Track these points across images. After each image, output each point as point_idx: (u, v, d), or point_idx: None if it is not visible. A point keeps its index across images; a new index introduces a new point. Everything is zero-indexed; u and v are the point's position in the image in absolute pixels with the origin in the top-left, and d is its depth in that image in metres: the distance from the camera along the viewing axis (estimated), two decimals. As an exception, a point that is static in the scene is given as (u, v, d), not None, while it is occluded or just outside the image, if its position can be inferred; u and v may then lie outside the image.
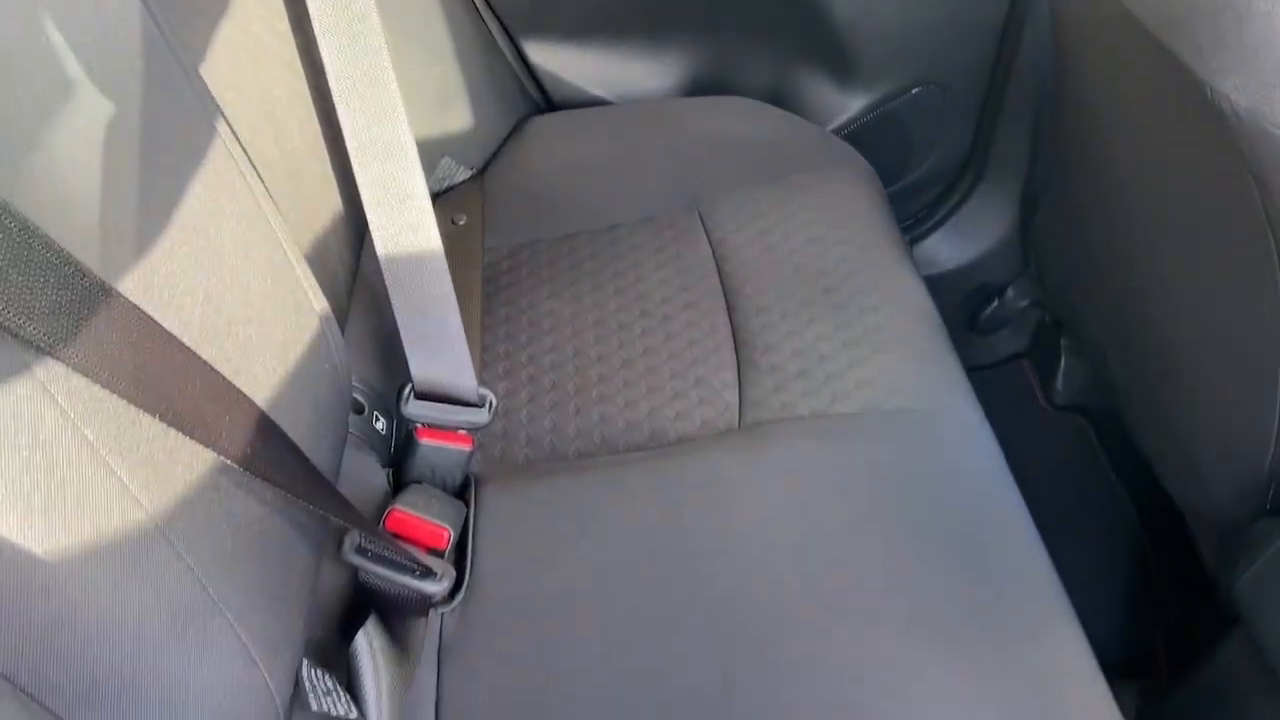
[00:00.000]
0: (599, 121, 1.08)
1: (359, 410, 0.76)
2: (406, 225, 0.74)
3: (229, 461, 0.49)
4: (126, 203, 0.47)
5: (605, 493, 0.74)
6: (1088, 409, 1.15)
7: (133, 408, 0.44)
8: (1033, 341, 1.21)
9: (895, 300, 0.85)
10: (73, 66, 0.45)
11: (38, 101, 0.43)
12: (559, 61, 1.09)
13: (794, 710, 0.61)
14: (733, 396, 0.79)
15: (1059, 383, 1.14)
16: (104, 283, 0.43)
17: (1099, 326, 0.99)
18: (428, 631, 0.66)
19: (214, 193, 0.54)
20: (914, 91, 1.08)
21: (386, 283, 0.75)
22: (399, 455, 0.78)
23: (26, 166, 0.42)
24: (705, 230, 0.92)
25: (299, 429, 0.56)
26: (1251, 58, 0.57)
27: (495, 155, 1.05)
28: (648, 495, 0.73)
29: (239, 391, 0.51)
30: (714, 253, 0.90)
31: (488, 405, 0.78)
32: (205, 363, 0.49)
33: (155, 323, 0.46)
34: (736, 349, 0.82)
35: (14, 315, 0.38)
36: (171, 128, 0.53)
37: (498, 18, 1.05)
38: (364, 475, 0.73)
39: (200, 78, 0.59)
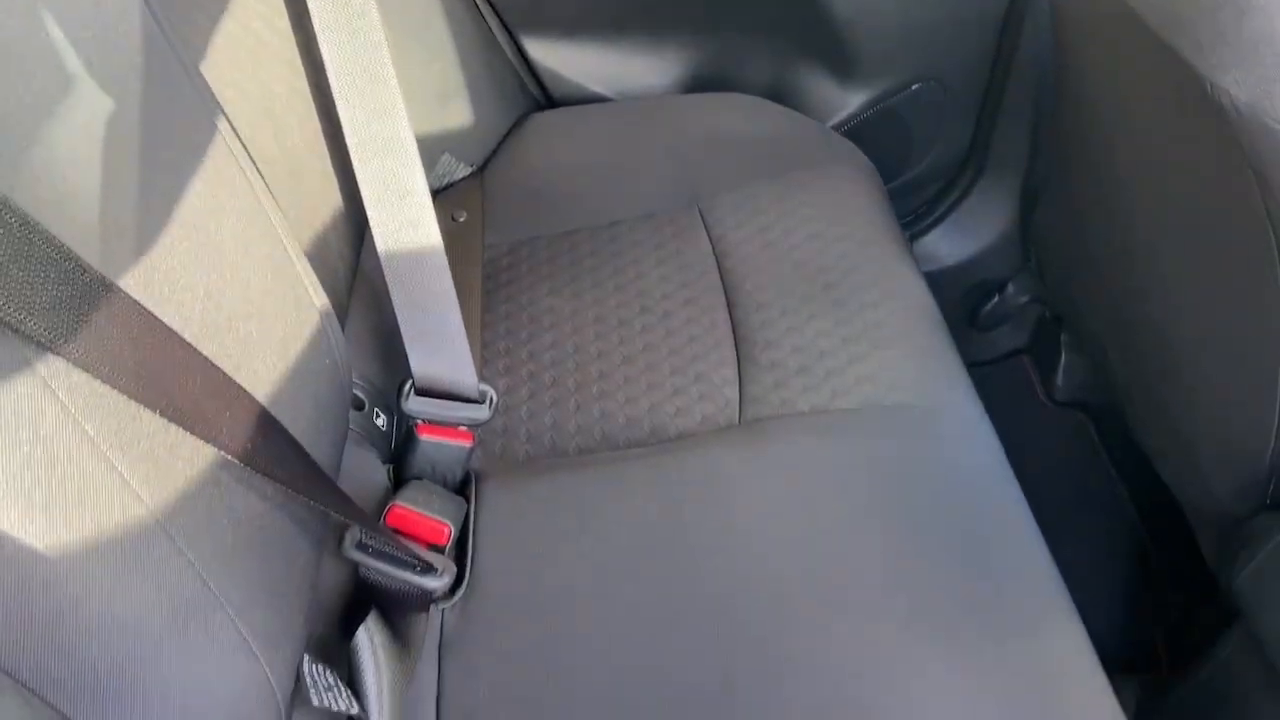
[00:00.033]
0: (599, 118, 1.08)
1: (359, 406, 0.76)
2: (407, 221, 0.74)
3: (229, 457, 0.49)
4: (127, 199, 0.47)
5: (606, 489, 0.74)
6: (1088, 405, 1.15)
7: (133, 403, 0.44)
8: (1033, 337, 1.21)
9: (895, 296, 0.85)
10: (73, 62, 0.45)
11: (38, 97, 0.43)
12: (559, 58, 1.09)
13: (794, 705, 0.61)
14: (733, 392, 0.79)
15: (1059, 379, 1.14)
16: (104, 278, 0.43)
17: (1099, 322, 0.99)
18: (429, 627, 0.66)
19: (214, 189, 0.55)
20: (914, 87, 1.08)
21: (387, 279, 0.75)
22: (399, 451, 0.78)
23: (26, 162, 0.42)
24: (705, 227, 0.92)
25: (299, 425, 0.56)
26: (1251, 53, 0.57)
27: (495, 152, 1.05)
28: (648, 491, 0.73)
29: (239, 387, 0.51)
30: (714, 249, 0.90)
31: (488, 401, 0.78)
32: (206, 359, 0.49)
33: (155, 318, 0.46)
34: (737, 345, 0.82)
35: (14, 310, 0.38)
36: (171, 124, 0.53)
37: (497, 14, 1.05)
38: (364, 471, 0.73)
39: (200, 74, 0.59)
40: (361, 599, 0.65)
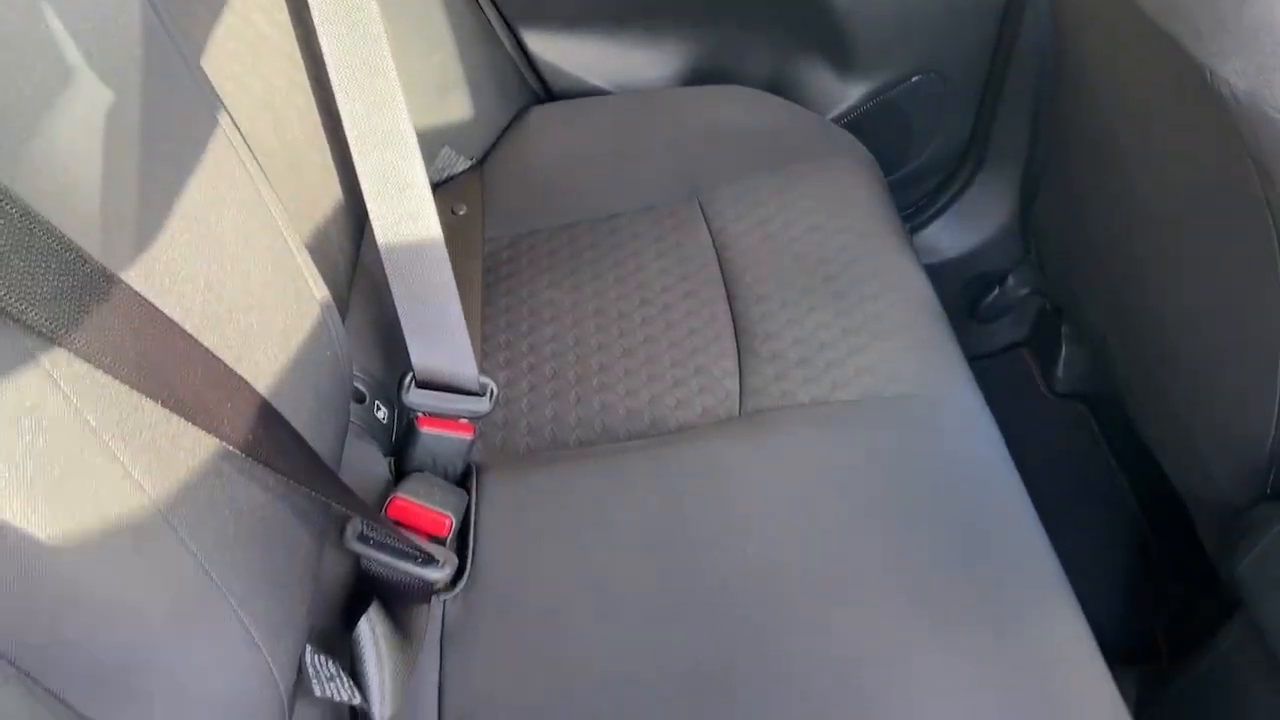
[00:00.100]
0: (599, 111, 1.08)
1: (360, 399, 0.76)
2: (406, 214, 0.74)
3: (231, 448, 0.49)
4: (127, 190, 0.47)
5: (606, 481, 0.74)
6: (1088, 396, 1.15)
7: (135, 394, 0.44)
8: (1033, 329, 1.21)
9: (895, 288, 0.85)
10: (73, 54, 0.45)
11: (38, 89, 0.43)
12: (558, 51, 1.09)
13: (795, 694, 0.61)
14: (733, 384, 0.79)
15: (1060, 370, 1.15)
16: (105, 269, 0.43)
17: (1099, 313, 0.99)
18: (430, 618, 0.66)
19: (214, 180, 0.55)
20: (914, 79, 1.08)
21: (387, 271, 0.75)
22: (400, 444, 0.78)
23: (27, 153, 0.42)
24: (705, 219, 0.92)
25: (301, 417, 0.57)
26: (1251, 41, 0.57)
27: (495, 145, 1.05)
28: (648, 483, 0.73)
29: (240, 378, 0.51)
30: (714, 241, 0.90)
31: (489, 394, 0.78)
32: (207, 350, 0.49)
33: (157, 309, 0.46)
34: (737, 337, 0.82)
35: (16, 301, 0.38)
36: (171, 115, 0.53)
37: (497, 7, 1.05)
38: (366, 464, 0.73)
39: (200, 67, 0.59)
40: (363, 590, 0.65)
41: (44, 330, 0.40)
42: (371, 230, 0.76)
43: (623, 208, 0.95)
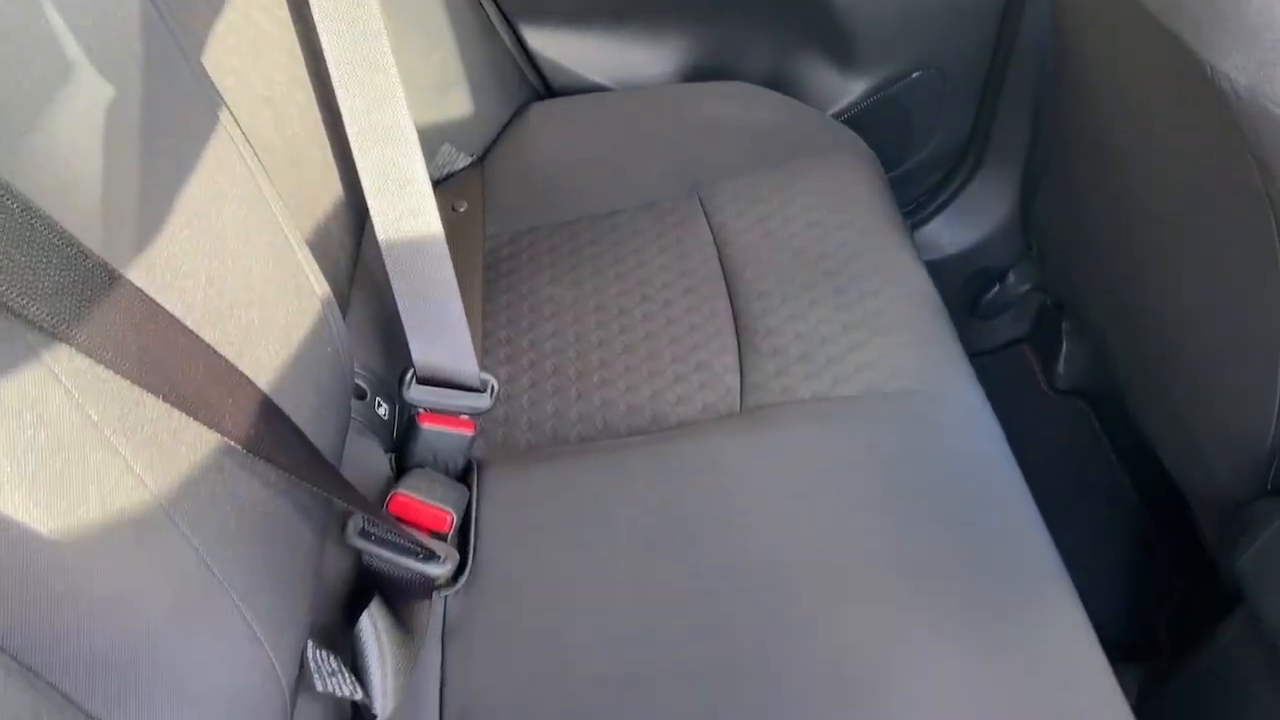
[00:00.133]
0: (599, 108, 1.08)
1: (361, 396, 0.76)
2: (407, 210, 0.74)
3: (232, 443, 0.49)
4: (128, 185, 0.47)
5: (607, 476, 0.74)
6: (1089, 393, 1.15)
7: (136, 389, 0.44)
8: (1034, 326, 1.21)
9: (896, 284, 0.85)
10: (72, 49, 0.45)
11: (38, 83, 0.43)
12: (558, 48, 1.09)
13: (796, 689, 0.61)
14: (734, 380, 0.79)
15: (1060, 367, 1.15)
16: (106, 264, 0.43)
17: (1100, 309, 0.99)
18: (431, 614, 0.66)
19: (214, 176, 0.55)
20: (914, 75, 1.08)
21: (387, 268, 0.75)
22: (401, 440, 0.78)
23: (27, 148, 0.42)
24: (706, 215, 0.92)
25: (302, 412, 0.57)
26: (1252, 36, 0.57)
27: (495, 142, 1.05)
28: (649, 479, 0.73)
29: (242, 374, 0.51)
30: (714, 238, 0.90)
31: (489, 390, 0.78)
32: (208, 345, 0.49)
33: (158, 305, 0.46)
34: (738, 333, 0.82)
35: (17, 296, 0.38)
36: (171, 111, 0.53)
37: (497, 4, 1.05)
38: (367, 460, 0.73)
39: (199, 63, 0.59)
40: (365, 586, 0.65)
41: (45, 325, 0.40)
42: (372, 227, 0.76)
43: (623, 204, 0.95)
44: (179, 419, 0.46)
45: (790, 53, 1.08)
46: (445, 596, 0.68)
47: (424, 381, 0.78)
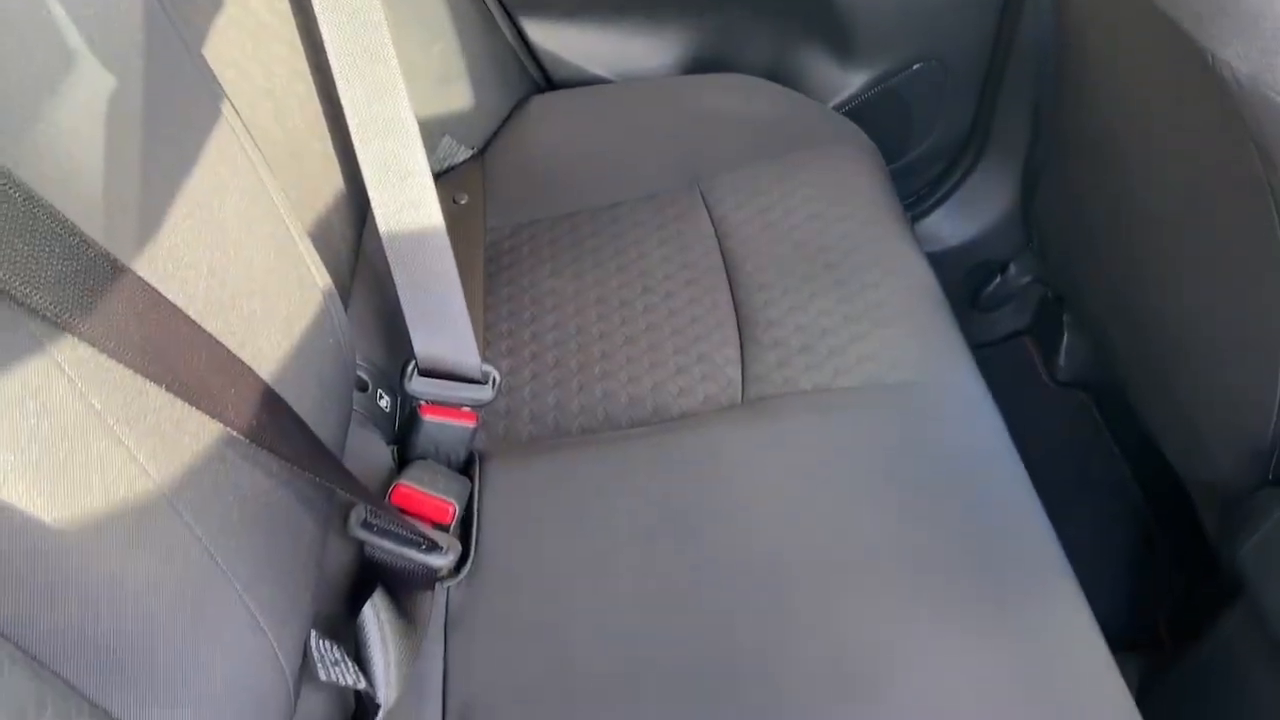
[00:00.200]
0: (600, 100, 1.08)
1: (363, 388, 0.76)
2: (408, 202, 0.74)
3: (235, 433, 0.49)
4: (130, 175, 0.48)
5: (609, 468, 0.74)
6: (1090, 385, 1.15)
7: (139, 378, 0.44)
8: (1035, 318, 1.21)
9: (897, 275, 0.85)
10: (74, 38, 0.45)
11: (40, 73, 0.43)
12: (559, 41, 1.09)
13: (797, 681, 0.61)
14: (735, 372, 0.79)
15: (1061, 359, 1.14)
16: (109, 254, 0.43)
17: (1101, 301, 0.99)
18: (434, 604, 0.66)
19: (216, 167, 0.55)
20: (915, 67, 1.08)
21: (389, 260, 0.75)
22: (403, 432, 0.78)
23: (30, 137, 0.42)
24: (707, 207, 0.92)
25: (304, 404, 0.57)
26: (1252, 24, 0.57)
27: (496, 135, 1.05)
28: (650, 470, 0.73)
29: (244, 364, 0.51)
30: (715, 229, 0.90)
31: (491, 382, 0.78)
32: (210, 335, 0.49)
33: (160, 295, 0.46)
34: (739, 325, 0.82)
35: (20, 284, 0.39)
36: (173, 101, 0.53)
37: (497, -3, 1.05)
38: (369, 452, 0.74)
39: (201, 55, 0.59)
40: (367, 577, 0.65)
41: (48, 314, 0.40)
42: (373, 218, 0.76)
43: (624, 196, 0.95)
44: (182, 409, 0.46)
45: (791, 44, 1.08)
46: (448, 587, 0.68)
47: (426, 373, 0.78)
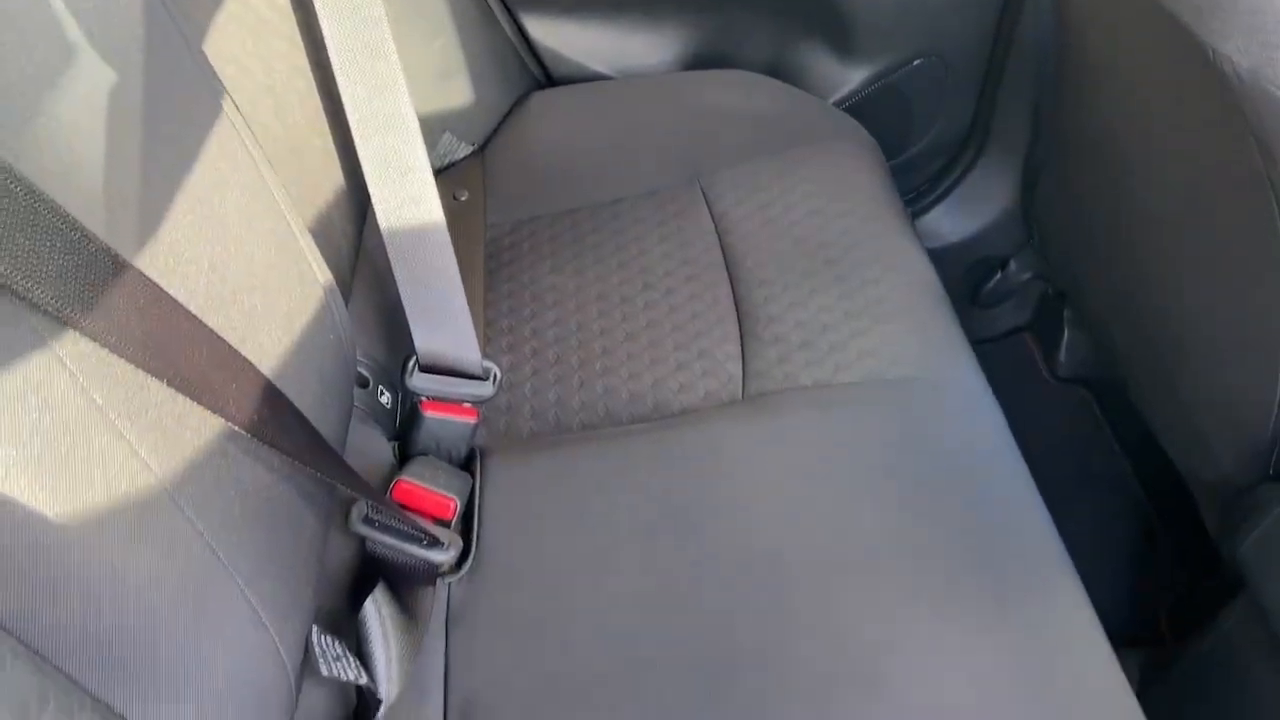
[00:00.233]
0: (600, 96, 1.08)
1: (364, 384, 0.76)
2: (409, 198, 0.74)
3: (236, 428, 0.49)
4: (130, 170, 0.47)
5: (609, 464, 0.74)
6: (1091, 381, 1.15)
7: (141, 373, 0.44)
8: (1035, 314, 1.21)
9: (897, 271, 0.85)
10: (74, 32, 0.45)
11: (40, 67, 0.43)
12: (559, 37, 1.09)
13: (799, 676, 0.61)
14: (736, 368, 0.79)
15: (1062, 355, 1.15)
16: (110, 249, 0.43)
17: (1102, 297, 0.99)
18: (435, 600, 0.66)
19: (216, 162, 0.55)
20: (915, 63, 1.08)
21: (389, 255, 0.75)
22: (404, 428, 0.78)
23: (30, 131, 0.42)
24: (707, 203, 0.92)
25: (305, 399, 0.57)
26: (1253, 19, 0.57)
27: (496, 131, 1.05)
28: (651, 466, 0.73)
29: (245, 359, 0.51)
30: (716, 226, 0.90)
31: (492, 378, 0.78)
32: (211, 331, 0.49)
33: (162, 290, 0.46)
34: (739, 321, 0.82)
35: (21, 279, 0.39)
36: (173, 96, 0.53)
37: (497, -7, 1.05)
38: (370, 448, 0.74)
39: (201, 50, 0.59)
40: (369, 573, 0.65)
41: (49, 309, 0.40)
42: (374, 214, 0.76)
43: (624, 192, 0.95)
44: (183, 404, 0.46)
45: (791, 40, 1.08)
46: (449, 583, 0.68)
47: (426, 369, 0.78)
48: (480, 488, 0.73)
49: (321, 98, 0.77)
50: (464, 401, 0.77)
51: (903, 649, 0.62)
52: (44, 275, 0.39)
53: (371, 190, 0.75)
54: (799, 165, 0.94)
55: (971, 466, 0.73)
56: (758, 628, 0.64)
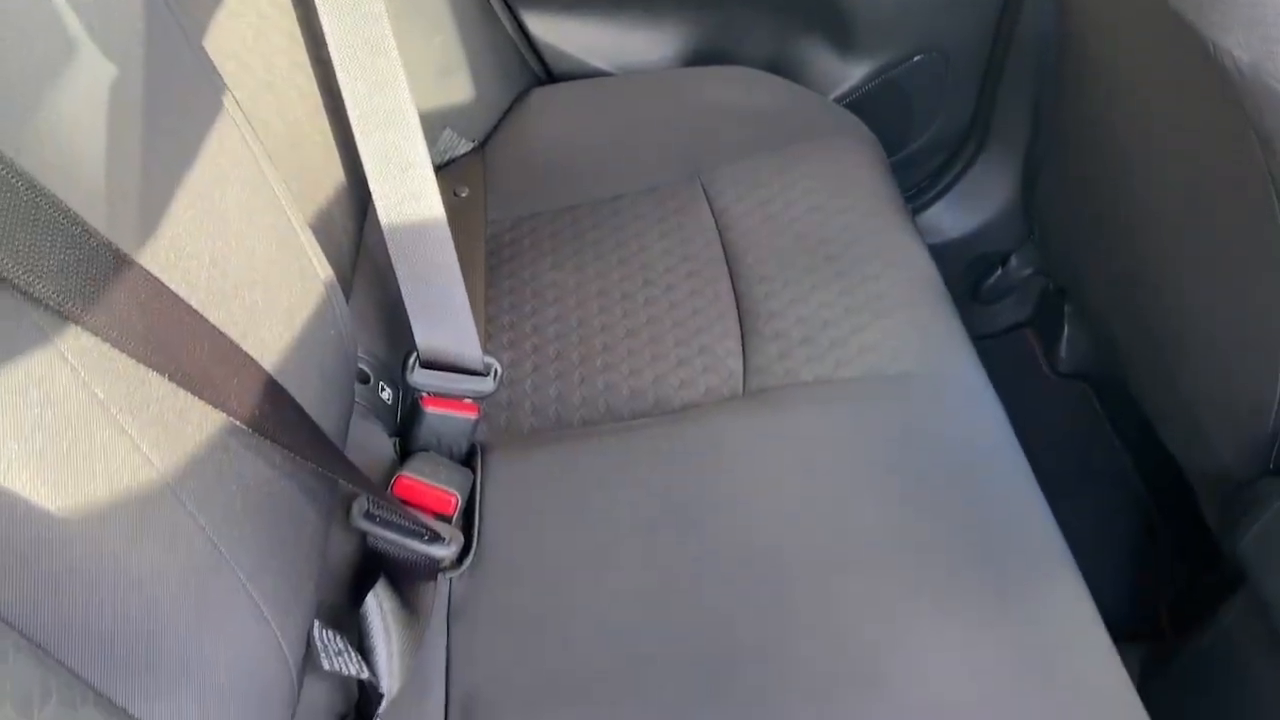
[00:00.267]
0: (600, 93, 1.08)
1: (364, 380, 0.76)
2: (409, 194, 0.74)
3: (238, 423, 0.49)
4: (130, 166, 0.48)
5: (610, 460, 0.74)
6: (1091, 376, 1.15)
7: (142, 368, 0.44)
8: (1036, 310, 1.21)
9: (898, 266, 0.85)
10: (74, 27, 0.45)
11: (40, 61, 0.43)
12: (559, 33, 1.09)
13: (800, 669, 0.61)
14: (736, 363, 0.79)
15: (1062, 350, 1.14)
16: (111, 243, 0.43)
17: (1102, 292, 0.99)
18: (437, 595, 0.66)
19: (216, 158, 0.55)
20: (915, 59, 1.08)
21: (390, 251, 0.75)
22: (405, 424, 0.78)
23: (31, 126, 0.42)
24: (707, 199, 0.92)
25: (306, 395, 0.57)
26: (1253, 12, 0.57)
27: (497, 128, 1.05)
28: (652, 462, 0.73)
29: (247, 355, 0.51)
30: (716, 222, 0.90)
31: (493, 374, 0.78)
32: (213, 325, 0.49)
33: (163, 284, 0.46)
34: (740, 316, 0.82)
35: (23, 274, 0.39)
36: (173, 92, 0.53)
37: (497, -11, 1.05)
38: (371, 444, 0.74)
39: (201, 46, 0.59)
40: (370, 568, 0.65)
41: (51, 303, 0.40)
42: (374, 211, 0.76)
43: (625, 189, 0.95)
44: (184, 398, 0.46)
45: (791, 36, 1.08)
46: (450, 579, 0.68)
47: (427, 365, 0.78)
48: (481, 483, 0.73)
49: (322, 94, 0.77)
50: (465, 397, 0.77)
51: (903, 644, 0.62)
52: (45, 270, 0.39)
53: (372, 186, 0.75)
54: (799, 161, 0.94)
55: (972, 462, 0.73)
56: (758, 623, 0.64)
